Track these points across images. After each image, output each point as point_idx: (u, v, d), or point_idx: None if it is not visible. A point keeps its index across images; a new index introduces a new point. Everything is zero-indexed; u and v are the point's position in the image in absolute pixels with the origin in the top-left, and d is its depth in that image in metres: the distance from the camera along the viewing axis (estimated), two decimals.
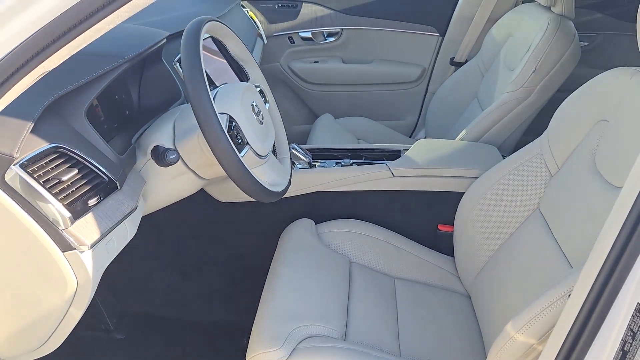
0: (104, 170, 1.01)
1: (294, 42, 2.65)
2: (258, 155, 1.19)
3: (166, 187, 1.20)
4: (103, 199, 1.01)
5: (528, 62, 1.81)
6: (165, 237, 1.76)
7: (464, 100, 2.26)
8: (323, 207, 1.69)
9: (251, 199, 1.66)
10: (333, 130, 2.34)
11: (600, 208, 1.16)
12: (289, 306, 1.31)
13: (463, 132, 1.92)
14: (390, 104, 2.66)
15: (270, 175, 1.25)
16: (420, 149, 1.75)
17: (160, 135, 1.17)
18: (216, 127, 1.04)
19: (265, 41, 2.50)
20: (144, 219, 1.72)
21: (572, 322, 0.85)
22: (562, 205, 1.30)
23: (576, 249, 1.19)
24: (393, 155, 1.76)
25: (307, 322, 1.27)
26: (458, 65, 2.46)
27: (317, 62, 2.65)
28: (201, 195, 1.67)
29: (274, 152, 1.51)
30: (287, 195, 1.67)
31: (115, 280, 1.80)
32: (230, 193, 1.65)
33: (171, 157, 1.10)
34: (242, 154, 1.14)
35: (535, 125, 1.86)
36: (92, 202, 0.97)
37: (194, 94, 1.03)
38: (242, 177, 1.08)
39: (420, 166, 1.66)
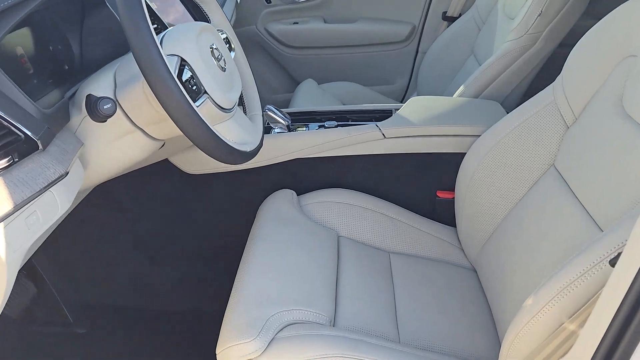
0: (17, 124, 0.79)
1: (270, 2, 2.41)
2: (220, 107, 0.98)
3: (110, 149, 0.98)
4: (18, 161, 0.79)
5: (532, 6, 1.61)
6: (128, 218, 1.55)
7: (460, 58, 2.05)
8: (305, 176, 1.48)
9: (222, 169, 1.45)
10: (316, 96, 2.13)
11: (633, 157, 0.96)
12: (267, 289, 1.11)
13: (460, 89, 1.72)
14: (378, 66, 2.44)
15: (236, 133, 1.04)
16: (414, 107, 1.54)
17: (97, 85, 0.95)
18: (161, 69, 0.82)
19: (239, 0, 2.27)
20: (103, 197, 1.52)
21: (622, 298, 0.65)
22: (583, 159, 1.10)
23: (606, 208, 0.99)
24: (383, 115, 1.55)
25: (288, 306, 1.07)
26: (451, 20, 2.24)
27: (297, 23, 2.43)
28: (165, 167, 1.46)
29: (243, 110, 1.29)
30: (263, 163, 1.47)
31: (74, 269, 1.59)
32: (197, 162, 1.44)
33: (106, 106, 0.88)
34: (197, 103, 0.92)
35: (538, 85, 1.66)
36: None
37: (131, 29, 0.82)
38: (198, 131, 0.86)
39: (415, 125, 1.46)
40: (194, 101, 0.92)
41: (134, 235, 1.56)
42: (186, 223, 1.55)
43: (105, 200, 1.51)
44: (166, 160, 1.45)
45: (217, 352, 1.02)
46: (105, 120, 0.92)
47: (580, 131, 1.15)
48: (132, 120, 0.97)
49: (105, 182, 1.09)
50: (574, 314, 0.83)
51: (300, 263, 1.20)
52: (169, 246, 1.57)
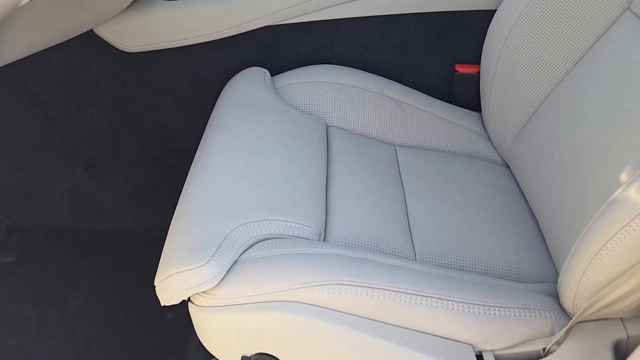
0: None
1: None
2: None
3: None
4: None
5: None
6: (55, 117, 1.19)
7: None
8: (280, 50, 1.12)
9: (171, 43, 1.08)
10: None
11: None
12: (227, 194, 0.77)
13: None
14: None
15: None
16: None
17: None
18: None
19: None
20: (20, 96, 1.16)
21: None
22: None
23: None
24: None
25: (257, 216, 0.75)
26: None
27: None
28: (93, 45, 1.09)
29: None
30: (225, 34, 1.10)
31: None
32: (136, 35, 1.07)
33: None
34: None
35: None
36: None
37: None
38: None
39: None
40: None
41: (65, 138, 1.21)
42: (127, 120, 1.19)
43: (23, 101, 1.15)
44: (92, 34, 1.07)
45: (155, 284, 0.70)
46: None
47: None
48: None
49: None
50: None
51: (276, 160, 0.86)
52: (109, 152, 1.23)
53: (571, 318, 0.71)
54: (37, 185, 1.26)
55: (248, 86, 1.03)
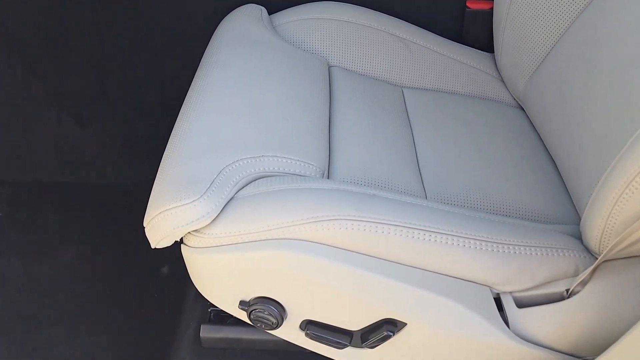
0: None
1: None
2: None
3: None
4: None
5: None
6: (38, 63, 1.11)
7: None
8: None
9: None
10: None
11: None
12: (223, 131, 0.71)
13: None
14: None
15: None
16: None
17: None
18: None
19: None
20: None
21: None
22: None
23: None
24: None
25: (255, 152, 0.68)
26: None
27: None
28: None
29: None
30: None
31: None
32: None
33: None
34: None
35: None
36: None
37: None
38: None
39: None
40: None
41: (48, 89, 1.14)
42: (116, 67, 1.12)
43: (2, 46, 1.08)
44: None
45: (144, 225, 0.64)
46: None
47: None
48: None
49: None
50: None
51: (275, 96, 0.79)
52: (97, 101, 1.15)
53: (597, 258, 0.66)
54: (22, 138, 1.20)
55: (244, 23, 0.96)
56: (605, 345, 0.62)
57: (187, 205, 0.60)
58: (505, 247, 0.64)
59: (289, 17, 1.00)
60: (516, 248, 0.64)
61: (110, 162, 1.22)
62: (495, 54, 1.02)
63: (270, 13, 1.02)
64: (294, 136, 0.74)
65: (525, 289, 0.64)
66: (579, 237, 0.71)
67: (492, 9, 1.02)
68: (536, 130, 0.92)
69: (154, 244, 0.64)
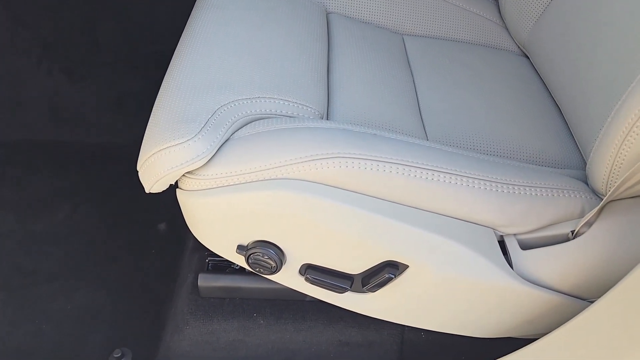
0: None
1: None
2: None
3: None
4: None
5: None
6: (25, 15, 1.08)
7: None
8: None
9: None
10: None
11: None
12: (217, 68, 0.68)
13: None
14: None
15: None
16: None
17: None
18: None
19: None
20: None
21: None
22: None
23: None
24: None
25: (251, 93, 0.66)
26: None
27: None
28: None
29: None
30: None
31: None
32: None
33: None
34: None
35: None
36: None
37: None
38: None
39: None
40: None
41: (38, 42, 1.10)
42: (107, 17, 1.09)
43: None
44: None
45: (137, 168, 0.62)
46: None
47: None
48: None
49: None
50: None
51: (272, 38, 0.76)
52: (89, 54, 1.12)
53: (602, 199, 0.64)
54: (12, 94, 1.17)
55: None
56: (608, 286, 0.61)
57: (181, 145, 0.58)
58: (510, 187, 0.62)
59: None
60: (521, 189, 0.62)
61: (105, 119, 1.19)
62: (499, 0, 0.99)
63: None
64: (292, 78, 0.71)
65: (529, 231, 0.63)
66: (584, 180, 0.69)
67: None
68: (541, 78, 0.90)
69: (147, 188, 0.62)
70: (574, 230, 0.62)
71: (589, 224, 0.62)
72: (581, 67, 0.76)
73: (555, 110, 0.84)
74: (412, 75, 0.85)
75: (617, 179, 0.60)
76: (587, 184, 0.68)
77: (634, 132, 0.56)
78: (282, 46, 0.76)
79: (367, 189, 0.59)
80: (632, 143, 0.57)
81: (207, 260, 0.80)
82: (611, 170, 0.60)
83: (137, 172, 0.62)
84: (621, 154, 0.58)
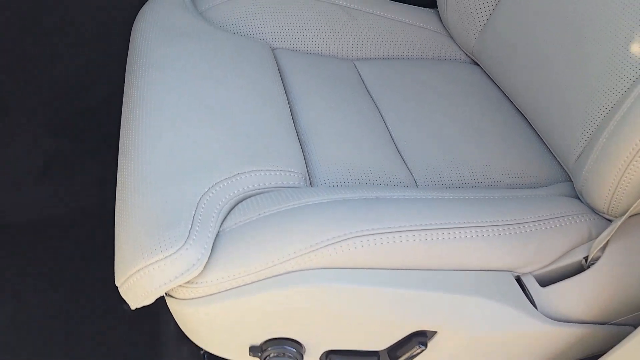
0: None
1: None
2: None
3: None
4: None
5: None
6: None
7: None
8: None
9: None
10: None
11: None
12: (182, 148, 0.60)
13: None
14: None
15: None
16: None
17: None
18: None
19: None
20: None
21: None
22: None
23: None
24: None
25: (227, 172, 0.58)
26: None
27: None
28: None
29: None
30: None
31: None
32: None
33: None
34: None
35: None
36: None
37: None
38: None
39: None
40: None
41: None
42: (18, 76, 0.95)
43: None
44: None
45: (118, 285, 0.53)
46: None
47: None
48: None
49: None
50: None
51: (230, 95, 0.69)
52: (12, 110, 0.98)
53: (604, 217, 0.63)
54: None
55: (168, 13, 0.83)
56: (631, 305, 0.60)
57: (172, 257, 0.50)
58: (521, 226, 0.60)
59: (214, 0, 0.87)
60: (531, 225, 0.60)
61: (30, 191, 1.05)
62: (439, 9, 0.96)
63: None
64: (263, 140, 0.64)
65: (544, 266, 0.61)
66: (574, 194, 0.68)
67: None
68: (497, 86, 0.89)
69: (134, 305, 0.54)
70: (587, 257, 0.61)
71: (602, 248, 0.61)
72: (535, 71, 0.75)
73: (521, 119, 0.82)
74: (376, 104, 0.81)
75: (622, 200, 0.59)
76: (581, 200, 0.67)
77: None
78: (241, 103, 0.68)
79: (384, 262, 0.54)
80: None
81: (201, 353, 0.71)
82: (615, 192, 0.59)
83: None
84: (628, 175, 0.57)
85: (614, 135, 0.58)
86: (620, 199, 0.60)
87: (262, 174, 0.60)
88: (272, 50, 0.86)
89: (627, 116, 0.57)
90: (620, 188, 0.59)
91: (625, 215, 0.58)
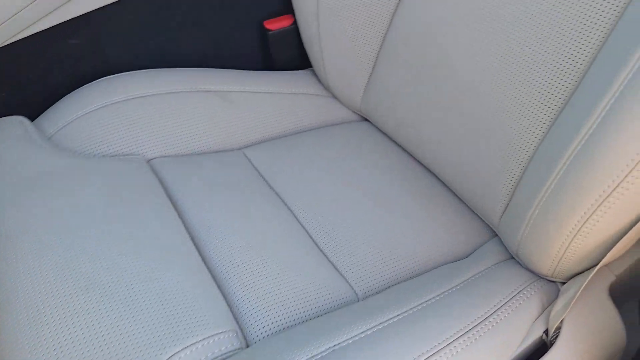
0: None
1: None
2: None
3: None
4: None
5: None
6: None
7: None
8: (22, 80, 0.76)
9: None
10: None
11: None
12: (76, 342, 0.47)
13: None
14: None
15: None
16: None
17: None
18: None
19: None
20: None
21: None
22: None
23: None
24: None
25: (150, 353, 0.47)
26: None
27: None
28: None
29: None
30: None
31: None
32: None
33: None
34: None
35: None
36: None
37: None
38: None
39: None
40: None
41: None
42: None
43: None
44: None
45: None
46: None
47: None
48: None
49: None
50: None
51: (117, 250, 0.56)
52: None
53: (548, 279, 0.61)
54: None
55: (5, 152, 0.67)
56: None
57: None
58: (482, 325, 0.55)
59: (63, 118, 0.73)
60: (492, 318, 0.55)
61: None
62: (316, 70, 0.90)
63: (32, 118, 0.74)
64: (180, 300, 0.53)
65: (512, 352, 0.57)
66: (504, 249, 0.65)
67: (293, 24, 0.88)
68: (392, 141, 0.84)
69: None
70: (547, 330, 0.58)
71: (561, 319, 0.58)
72: (446, 119, 0.71)
73: (434, 179, 0.78)
74: (284, 201, 0.72)
75: (569, 265, 0.57)
76: (518, 261, 0.64)
77: (589, 225, 0.52)
78: (137, 256, 0.56)
79: None
80: (586, 235, 0.53)
81: None
82: (563, 256, 0.56)
83: None
84: (575, 244, 0.54)
85: (554, 193, 0.55)
86: (568, 265, 0.57)
87: (193, 348, 0.49)
88: (148, 161, 0.74)
89: (571, 167, 0.53)
90: (568, 255, 0.56)
91: (582, 286, 0.55)
